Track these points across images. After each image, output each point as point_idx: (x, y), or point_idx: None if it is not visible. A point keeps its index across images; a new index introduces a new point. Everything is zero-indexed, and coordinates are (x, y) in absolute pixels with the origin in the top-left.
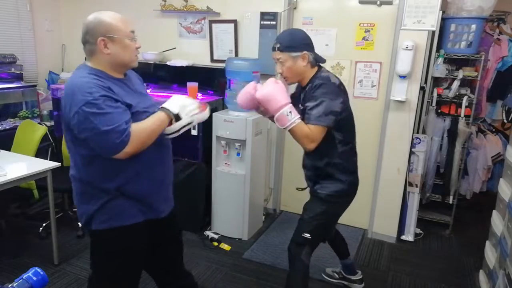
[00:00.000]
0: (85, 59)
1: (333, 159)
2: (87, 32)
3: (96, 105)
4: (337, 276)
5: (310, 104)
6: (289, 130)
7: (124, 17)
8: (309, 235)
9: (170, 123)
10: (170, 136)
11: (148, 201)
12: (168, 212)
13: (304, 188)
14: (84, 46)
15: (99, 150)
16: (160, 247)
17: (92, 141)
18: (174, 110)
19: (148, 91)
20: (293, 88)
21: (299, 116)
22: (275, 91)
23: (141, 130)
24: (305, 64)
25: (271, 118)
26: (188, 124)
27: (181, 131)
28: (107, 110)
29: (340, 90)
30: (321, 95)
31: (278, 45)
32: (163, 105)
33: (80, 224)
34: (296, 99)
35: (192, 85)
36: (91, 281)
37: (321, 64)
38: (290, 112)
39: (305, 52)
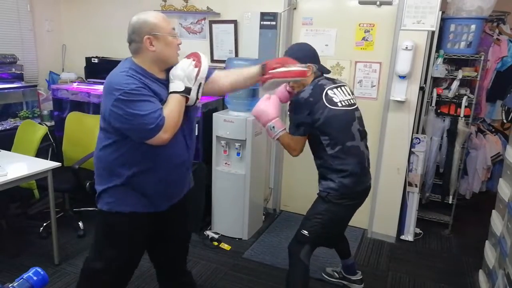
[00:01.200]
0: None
1: (325, 161)
2: (133, 31)
3: (131, 94)
4: (337, 275)
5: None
6: (277, 140)
7: (165, 16)
8: (307, 232)
9: (187, 99)
10: (196, 105)
11: (153, 195)
12: (167, 207)
13: None
14: (130, 45)
15: (135, 136)
16: (162, 242)
17: (127, 128)
18: (180, 87)
19: None
20: None
21: (282, 128)
22: (264, 108)
23: (172, 114)
24: (309, 75)
25: None
26: (199, 85)
27: (200, 95)
28: (142, 98)
29: (305, 104)
30: (291, 111)
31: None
32: (170, 91)
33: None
34: None
35: None
36: (87, 260)
37: (325, 74)
38: (273, 126)
39: (309, 64)
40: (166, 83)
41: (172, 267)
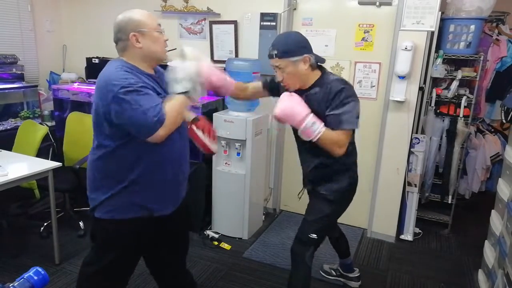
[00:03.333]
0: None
1: (341, 159)
2: (119, 30)
3: (130, 90)
4: (334, 273)
5: (338, 111)
6: (316, 140)
7: (150, 13)
8: (315, 235)
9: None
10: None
11: (155, 198)
12: (173, 210)
13: (302, 190)
14: (117, 44)
15: (136, 131)
16: (161, 244)
17: (129, 124)
18: (180, 89)
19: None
20: None
21: (322, 124)
22: (292, 105)
23: (172, 111)
24: (307, 68)
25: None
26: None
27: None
28: (141, 92)
29: (354, 91)
30: (347, 98)
31: (275, 52)
32: (175, 92)
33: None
34: None
35: None
36: (85, 263)
37: (321, 64)
38: (314, 122)
39: (305, 55)
40: (157, 79)
41: (174, 269)
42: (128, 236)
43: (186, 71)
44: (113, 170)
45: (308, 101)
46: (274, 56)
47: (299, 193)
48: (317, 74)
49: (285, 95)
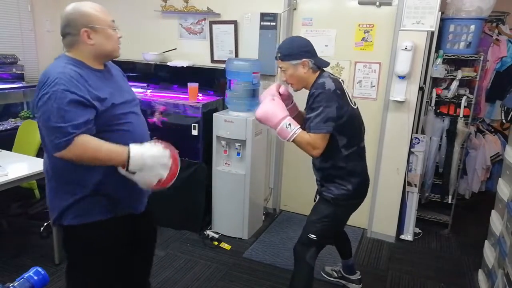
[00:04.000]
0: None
1: (337, 163)
2: (68, 24)
3: (58, 100)
4: (335, 275)
5: (310, 115)
6: (292, 141)
7: (103, 7)
8: (314, 236)
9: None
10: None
11: (121, 197)
12: (143, 209)
13: (316, 193)
14: (64, 38)
15: (44, 143)
16: (135, 247)
17: (41, 130)
18: (132, 168)
19: (149, 91)
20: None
21: (298, 126)
22: (272, 108)
23: (86, 146)
24: (306, 71)
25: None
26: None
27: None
28: (66, 108)
29: (335, 95)
30: (317, 103)
31: (279, 54)
32: (132, 151)
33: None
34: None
35: (193, 86)
36: (68, 274)
37: (324, 68)
38: (289, 124)
39: (304, 59)
40: (106, 74)
41: (138, 281)
42: (102, 239)
43: (154, 167)
44: (71, 174)
45: (306, 105)
46: (278, 58)
47: (315, 195)
48: (316, 76)
49: (267, 99)
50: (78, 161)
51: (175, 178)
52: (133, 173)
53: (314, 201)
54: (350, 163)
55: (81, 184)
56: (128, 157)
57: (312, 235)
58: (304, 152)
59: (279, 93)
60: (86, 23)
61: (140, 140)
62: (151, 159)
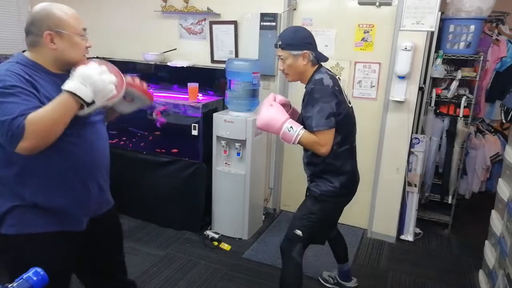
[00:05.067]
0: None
1: (328, 159)
2: (32, 23)
3: (1, 94)
4: (332, 281)
5: (308, 112)
6: (298, 143)
7: (76, 13)
8: (300, 232)
9: (81, 107)
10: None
11: (65, 213)
12: (87, 226)
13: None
14: (27, 36)
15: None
16: (88, 260)
17: None
18: (87, 96)
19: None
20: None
21: (301, 127)
22: (271, 114)
23: (37, 121)
24: (305, 63)
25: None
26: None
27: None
28: (9, 99)
29: (334, 91)
30: (316, 100)
31: (280, 42)
32: (71, 87)
33: None
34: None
35: (193, 86)
36: None
37: (323, 62)
38: (291, 127)
39: (305, 51)
40: (65, 78)
41: (109, 281)
42: (43, 254)
43: (101, 82)
44: (10, 179)
45: (303, 100)
46: (278, 46)
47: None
48: (314, 70)
49: (264, 105)
50: (43, 144)
51: (124, 81)
52: (92, 102)
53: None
54: (341, 161)
55: (17, 191)
56: (74, 94)
57: (298, 231)
58: (313, 151)
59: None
60: (51, 26)
61: (88, 165)
62: (90, 77)
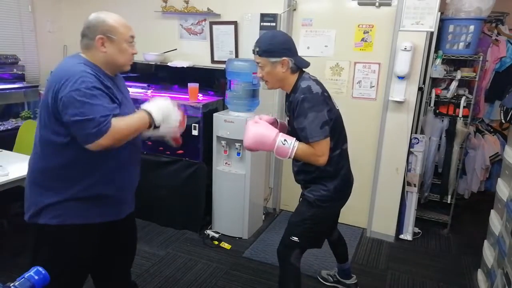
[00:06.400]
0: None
1: (320, 166)
2: (88, 27)
3: (85, 94)
4: (331, 279)
5: (301, 124)
6: (294, 156)
7: (127, 23)
8: (297, 238)
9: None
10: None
11: (109, 204)
12: (126, 215)
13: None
14: (82, 39)
15: (77, 137)
16: (108, 252)
17: (72, 126)
18: (158, 120)
19: (149, 92)
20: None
21: (294, 139)
22: (260, 130)
23: (122, 125)
24: (284, 71)
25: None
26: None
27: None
28: (93, 101)
29: (323, 98)
30: (308, 110)
31: (257, 49)
32: (149, 109)
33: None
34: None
35: (193, 86)
36: None
37: (304, 68)
38: (285, 140)
39: (284, 58)
40: (117, 82)
41: (118, 280)
42: (79, 244)
43: (171, 119)
44: (64, 171)
45: (289, 108)
46: (256, 53)
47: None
48: (295, 78)
49: (249, 124)
50: (114, 146)
51: (186, 121)
52: (158, 127)
53: (300, 199)
54: (334, 166)
55: (74, 182)
56: (150, 115)
57: (295, 238)
58: (310, 162)
59: None
60: (104, 31)
61: (135, 146)
62: (165, 108)
